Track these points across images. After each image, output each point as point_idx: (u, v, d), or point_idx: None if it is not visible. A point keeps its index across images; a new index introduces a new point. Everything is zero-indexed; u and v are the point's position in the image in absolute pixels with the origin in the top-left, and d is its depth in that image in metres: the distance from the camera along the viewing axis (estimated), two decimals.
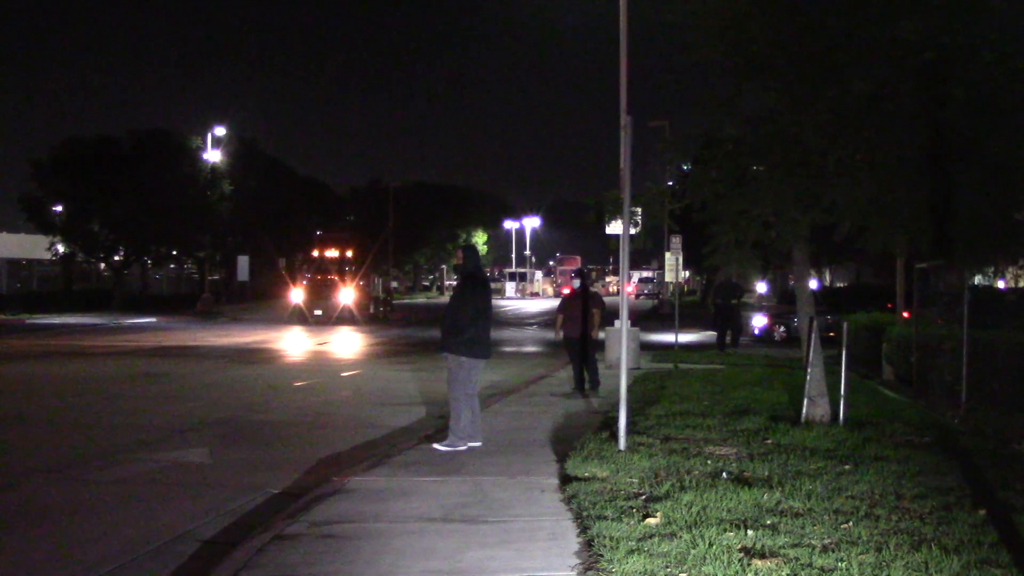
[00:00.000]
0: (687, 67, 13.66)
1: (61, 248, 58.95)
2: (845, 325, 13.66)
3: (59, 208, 57.79)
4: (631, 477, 9.66)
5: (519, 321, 51.63)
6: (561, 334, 18.07)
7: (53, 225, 57.56)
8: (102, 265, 65.45)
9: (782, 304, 43.22)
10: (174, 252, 66.18)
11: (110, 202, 55.07)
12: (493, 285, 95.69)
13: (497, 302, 75.17)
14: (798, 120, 12.49)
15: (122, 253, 60.38)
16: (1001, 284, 17.37)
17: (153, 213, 54.78)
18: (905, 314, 21.86)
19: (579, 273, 19.32)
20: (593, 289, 19.50)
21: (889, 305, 28.27)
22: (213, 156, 57.67)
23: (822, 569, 6.69)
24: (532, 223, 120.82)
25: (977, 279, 15.63)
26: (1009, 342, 13.90)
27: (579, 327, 17.75)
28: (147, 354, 27.41)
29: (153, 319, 46.74)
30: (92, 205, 55.73)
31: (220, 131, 57.58)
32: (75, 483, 10.43)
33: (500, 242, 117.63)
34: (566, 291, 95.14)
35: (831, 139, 12.48)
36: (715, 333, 31.10)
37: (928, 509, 8.36)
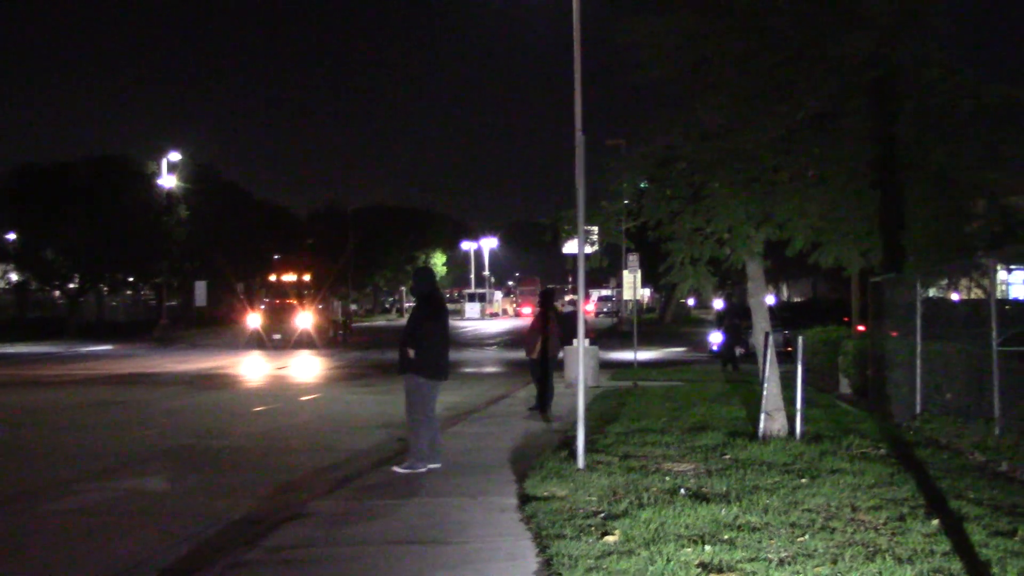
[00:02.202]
0: (642, 86, 13.80)
1: (14, 276, 58.29)
2: (801, 339, 13.79)
3: (12, 236, 57.14)
4: (590, 495, 9.68)
5: (479, 342, 51.59)
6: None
7: (6, 253, 56.94)
8: (57, 293, 64.76)
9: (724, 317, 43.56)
10: (130, 278, 65.62)
11: (64, 229, 54.55)
12: (453, 306, 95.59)
13: (457, 323, 75.06)
14: (750, 137, 12.64)
15: (77, 280, 59.76)
16: (955, 296, 17.56)
17: (108, 240, 54.33)
18: (860, 328, 22.13)
19: (542, 295, 19.40)
20: (565, 310, 19.54)
21: (846, 319, 28.57)
22: (169, 181, 57.22)
23: None
24: (490, 244, 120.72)
25: (932, 291, 15.81)
26: (962, 353, 14.08)
27: (539, 349, 17.87)
28: (103, 382, 27.10)
29: (109, 346, 46.25)
30: (46, 232, 55.20)
31: (175, 156, 57.16)
32: (28, 514, 10.26)
33: (459, 263, 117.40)
34: (526, 310, 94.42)
35: (783, 156, 12.64)
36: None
37: (883, 520, 8.45)
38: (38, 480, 12.13)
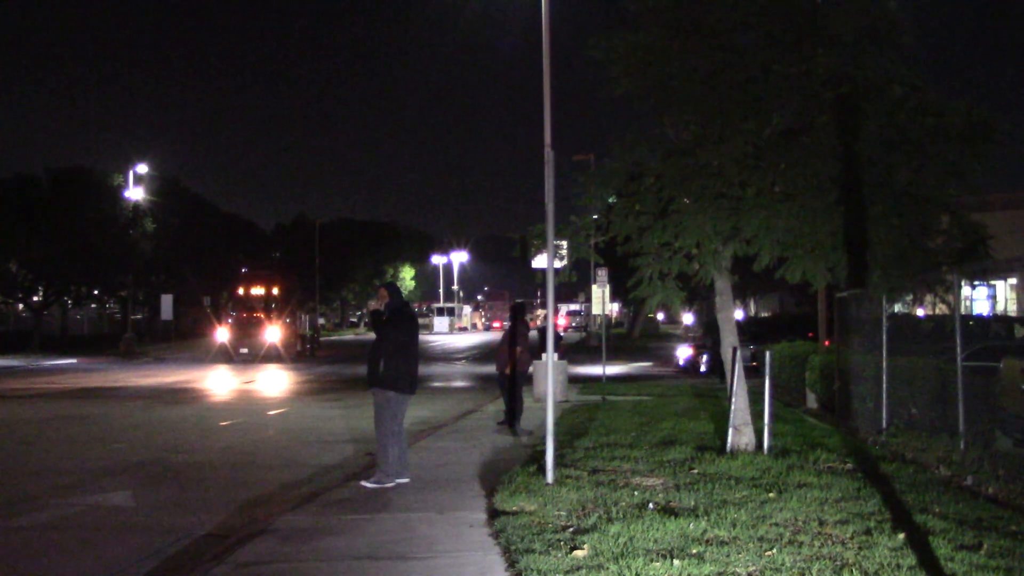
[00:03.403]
0: (611, 102, 13.87)
1: None
2: (768, 354, 13.86)
3: None
4: (559, 510, 9.69)
5: (447, 356, 51.54)
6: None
7: None
8: (20, 306, 64.06)
9: (707, 335, 44.03)
10: (95, 292, 65.03)
11: (28, 242, 54.00)
12: (421, 320, 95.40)
13: (425, 337, 74.96)
14: (717, 153, 12.73)
15: (41, 293, 59.16)
16: (920, 312, 17.73)
17: (73, 253, 53.83)
18: (827, 343, 22.30)
19: (512, 309, 19.48)
20: (537, 325, 19.64)
21: (810, 334, 28.78)
22: (135, 194, 56.75)
23: None
24: (459, 258, 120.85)
25: (897, 307, 15.94)
26: (927, 368, 14.21)
27: (508, 363, 17.93)
28: (67, 396, 26.84)
29: (74, 360, 45.82)
30: (9, 245, 54.58)
31: (142, 168, 56.71)
32: None
33: (427, 277, 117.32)
34: (495, 325, 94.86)
35: (749, 171, 12.73)
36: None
37: (850, 534, 8.51)
38: (1, 496, 11.98)
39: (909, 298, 16.14)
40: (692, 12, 13.03)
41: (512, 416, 17.64)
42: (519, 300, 27.18)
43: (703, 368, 36.05)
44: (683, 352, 38.18)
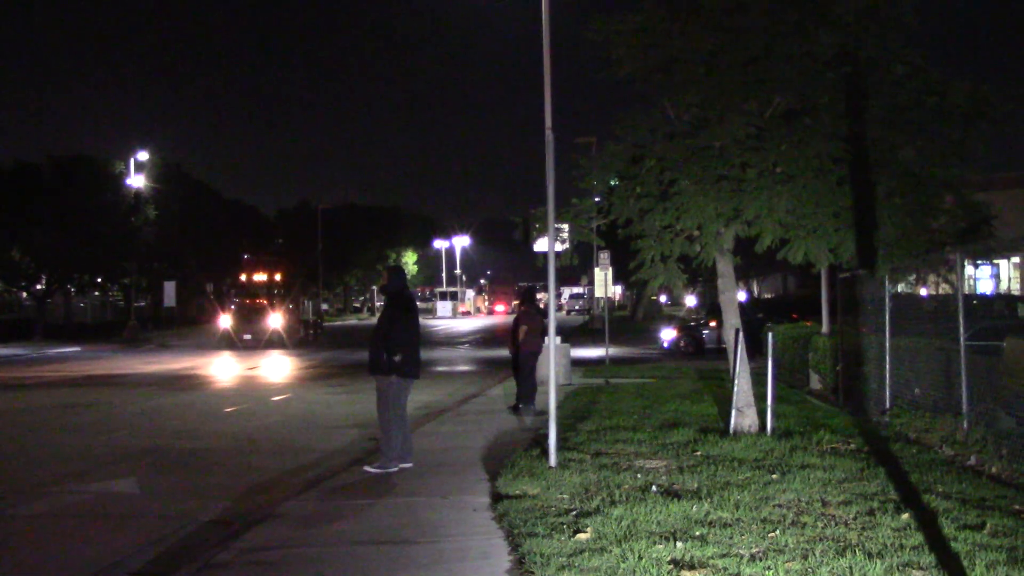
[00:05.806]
0: (612, 84, 13.83)
1: None
2: (771, 336, 13.84)
3: None
4: (562, 493, 9.69)
5: (450, 341, 51.55)
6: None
7: None
8: (24, 294, 64.13)
9: (695, 317, 44.47)
10: (98, 279, 65.06)
11: (31, 230, 54.00)
12: (425, 305, 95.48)
13: (428, 322, 75.01)
14: (719, 135, 12.70)
15: (44, 281, 59.19)
16: (924, 292, 17.71)
17: (76, 240, 53.86)
18: (807, 323, 22.62)
19: (524, 292, 19.74)
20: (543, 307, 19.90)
21: (794, 316, 28.91)
22: (137, 181, 56.71)
23: None
24: (462, 242, 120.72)
25: (900, 287, 15.92)
26: (930, 348, 14.19)
27: (514, 345, 18.15)
28: (72, 384, 26.86)
29: (78, 348, 45.85)
30: (12, 233, 54.59)
31: (143, 156, 56.65)
32: None
33: (430, 261, 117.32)
34: (498, 309, 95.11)
35: (751, 153, 12.69)
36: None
37: (853, 515, 8.51)
38: (7, 483, 12.00)
39: (912, 278, 16.12)
40: None
41: (518, 397, 17.78)
42: (523, 284, 27.28)
43: (666, 344, 36.46)
44: (667, 334, 38.41)
